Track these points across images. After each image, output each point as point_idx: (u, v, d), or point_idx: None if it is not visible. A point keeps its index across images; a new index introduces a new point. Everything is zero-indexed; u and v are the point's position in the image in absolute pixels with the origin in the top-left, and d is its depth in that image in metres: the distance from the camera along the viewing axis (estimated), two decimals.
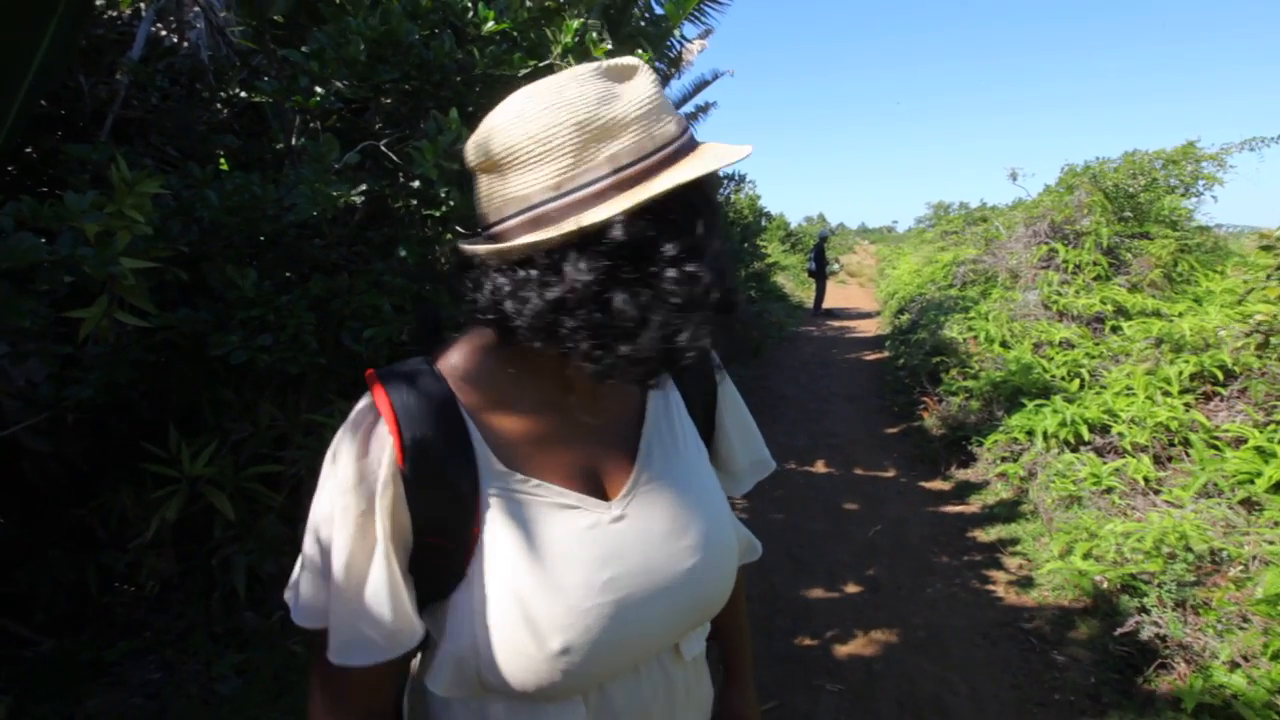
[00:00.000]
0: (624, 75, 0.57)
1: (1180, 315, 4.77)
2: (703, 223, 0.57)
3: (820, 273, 13.05)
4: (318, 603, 0.59)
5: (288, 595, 0.62)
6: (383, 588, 0.55)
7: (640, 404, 0.69)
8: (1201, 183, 5.94)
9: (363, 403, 0.60)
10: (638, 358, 0.55)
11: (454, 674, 0.59)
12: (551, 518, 0.59)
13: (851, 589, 3.05)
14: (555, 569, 0.58)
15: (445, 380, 0.62)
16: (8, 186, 2.07)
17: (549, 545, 0.58)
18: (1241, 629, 2.14)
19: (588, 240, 0.54)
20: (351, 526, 0.56)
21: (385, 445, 0.57)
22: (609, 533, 0.61)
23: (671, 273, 0.54)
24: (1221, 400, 3.80)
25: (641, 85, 0.56)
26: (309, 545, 0.59)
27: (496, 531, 0.58)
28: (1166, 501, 3.13)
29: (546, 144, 0.54)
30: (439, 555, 0.58)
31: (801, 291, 14.97)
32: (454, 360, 0.64)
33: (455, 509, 0.58)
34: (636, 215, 0.53)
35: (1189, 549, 2.52)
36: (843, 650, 2.59)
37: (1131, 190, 5.98)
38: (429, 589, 0.60)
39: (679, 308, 0.55)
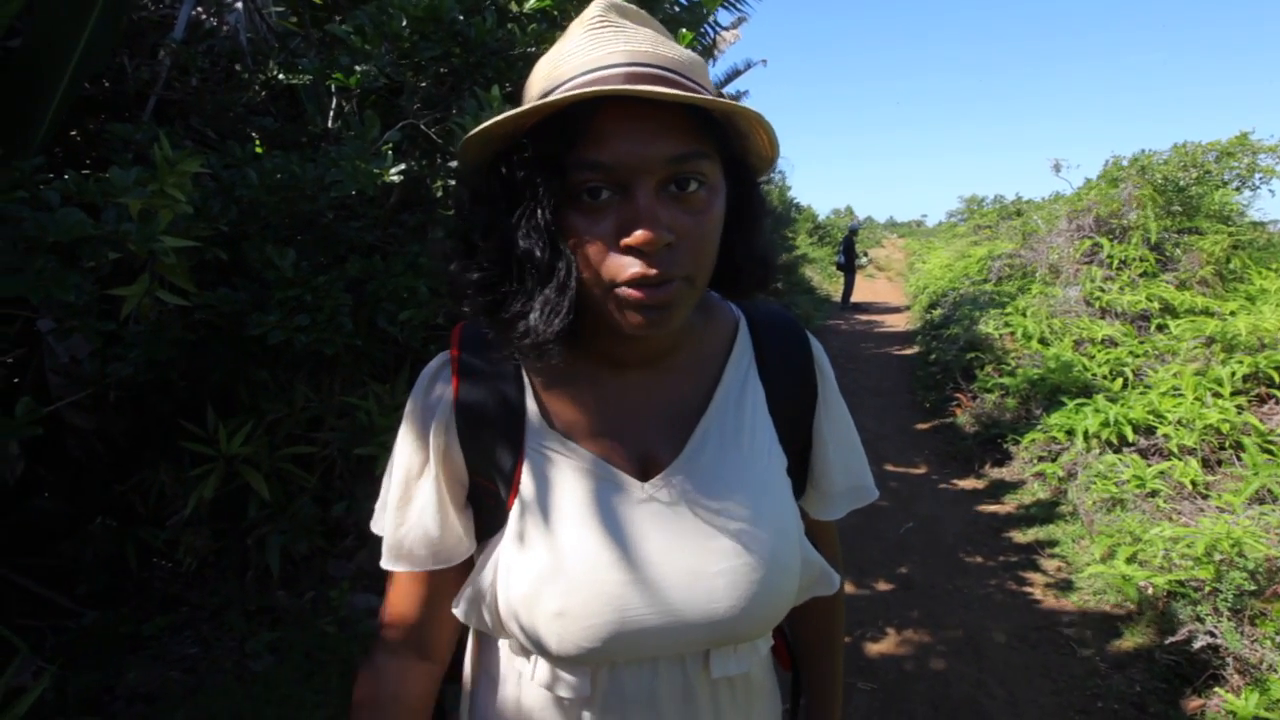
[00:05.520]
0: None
1: (1232, 314, 4.58)
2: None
3: (849, 266, 12.89)
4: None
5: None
6: (431, 505, 0.61)
7: (709, 391, 0.65)
8: (1259, 176, 5.67)
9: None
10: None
11: (468, 604, 0.62)
12: (578, 483, 0.59)
13: (883, 586, 2.99)
14: (569, 533, 0.57)
15: None
16: (54, 167, 2.09)
17: (569, 509, 0.58)
18: None
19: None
20: (410, 450, 0.63)
21: (446, 392, 0.62)
22: (634, 512, 0.58)
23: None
24: (1277, 403, 3.64)
25: (579, 28, 0.55)
26: (390, 464, 0.66)
27: (529, 486, 0.60)
28: (1216, 507, 3.01)
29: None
30: (489, 496, 0.62)
31: (829, 285, 14.76)
32: None
33: (501, 459, 0.61)
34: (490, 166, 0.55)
35: (1243, 556, 2.41)
36: (875, 649, 2.54)
37: (1182, 183, 5.74)
38: (483, 525, 0.64)
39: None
